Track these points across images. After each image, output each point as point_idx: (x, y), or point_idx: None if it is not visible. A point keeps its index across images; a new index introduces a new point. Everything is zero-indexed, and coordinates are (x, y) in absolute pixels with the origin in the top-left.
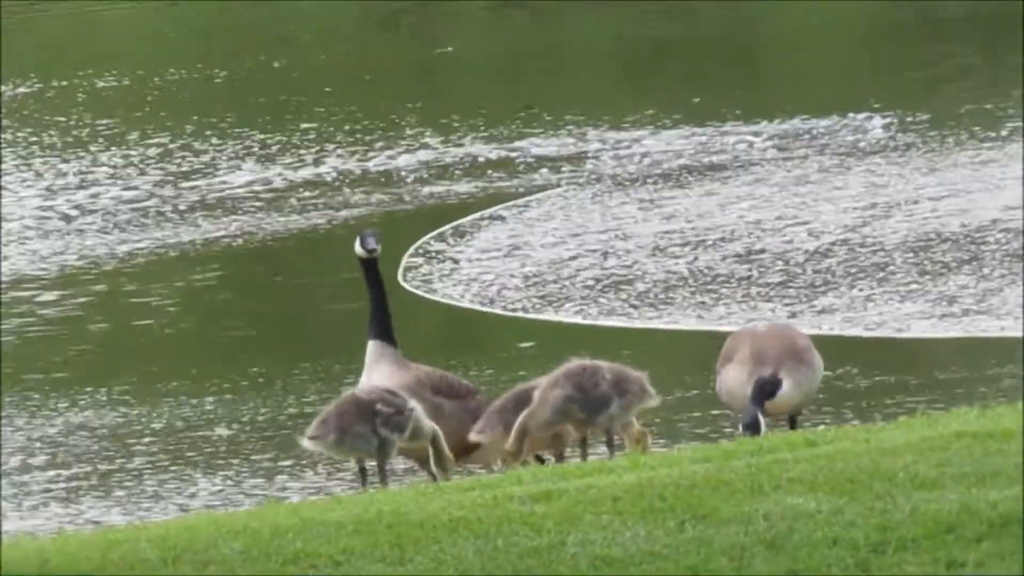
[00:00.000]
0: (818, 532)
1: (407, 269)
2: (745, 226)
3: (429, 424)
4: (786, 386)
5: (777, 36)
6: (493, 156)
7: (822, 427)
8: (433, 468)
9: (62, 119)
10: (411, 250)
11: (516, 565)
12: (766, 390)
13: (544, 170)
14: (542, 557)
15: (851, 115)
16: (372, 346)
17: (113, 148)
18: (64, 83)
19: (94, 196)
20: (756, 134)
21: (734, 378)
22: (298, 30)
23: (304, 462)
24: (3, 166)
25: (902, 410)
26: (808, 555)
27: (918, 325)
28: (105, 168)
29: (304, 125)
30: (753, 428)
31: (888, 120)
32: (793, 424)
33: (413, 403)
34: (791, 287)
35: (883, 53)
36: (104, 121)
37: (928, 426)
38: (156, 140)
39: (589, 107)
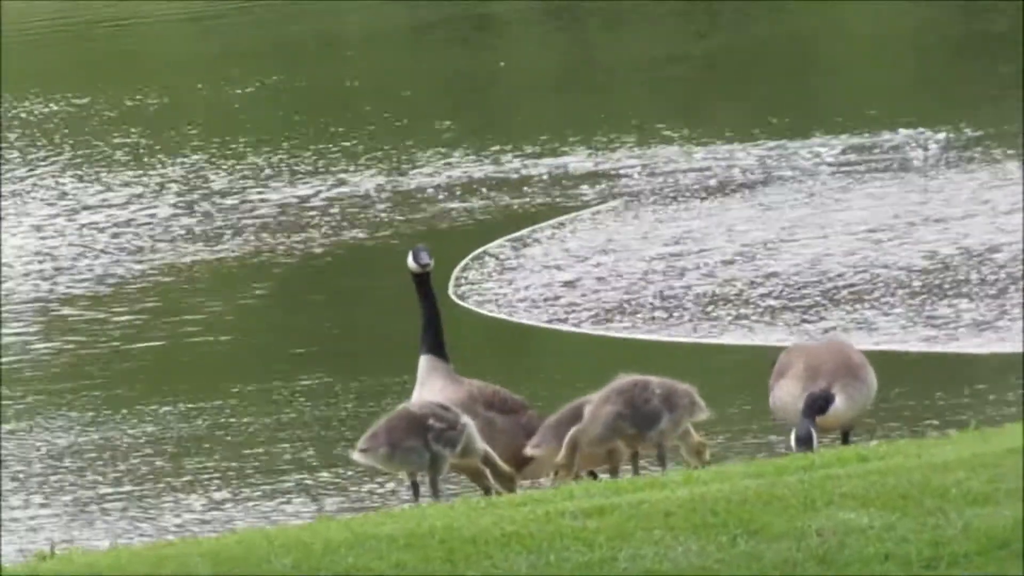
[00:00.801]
0: (870, 548)
1: (457, 284)
2: (800, 240)
3: (482, 444)
4: (839, 402)
5: (829, 51)
6: (544, 171)
7: (874, 443)
8: (494, 485)
9: (116, 134)
10: (461, 264)
11: None
12: (818, 405)
13: (595, 185)
14: (594, 572)
15: (906, 130)
16: (424, 361)
17: (160, 163)
18: (113, 98)
19: (142, 211)
20: (812, 148)
21: (788, 393)
22: (345, 44)
23: (352, 475)
24: (65, 182)
25: (954, 426)
26: (860, 571)
27: (971, 340)
28: (150, 184)
29: (351, 139)
30: (806, 443)
31: (944, 135)
32: (846, 439)
33: (466, 419)
34: (842, 300)
35: (936, 67)
36: (140, 137)
37: (980, 442)
38: (202, 156)
39: (643, 122)
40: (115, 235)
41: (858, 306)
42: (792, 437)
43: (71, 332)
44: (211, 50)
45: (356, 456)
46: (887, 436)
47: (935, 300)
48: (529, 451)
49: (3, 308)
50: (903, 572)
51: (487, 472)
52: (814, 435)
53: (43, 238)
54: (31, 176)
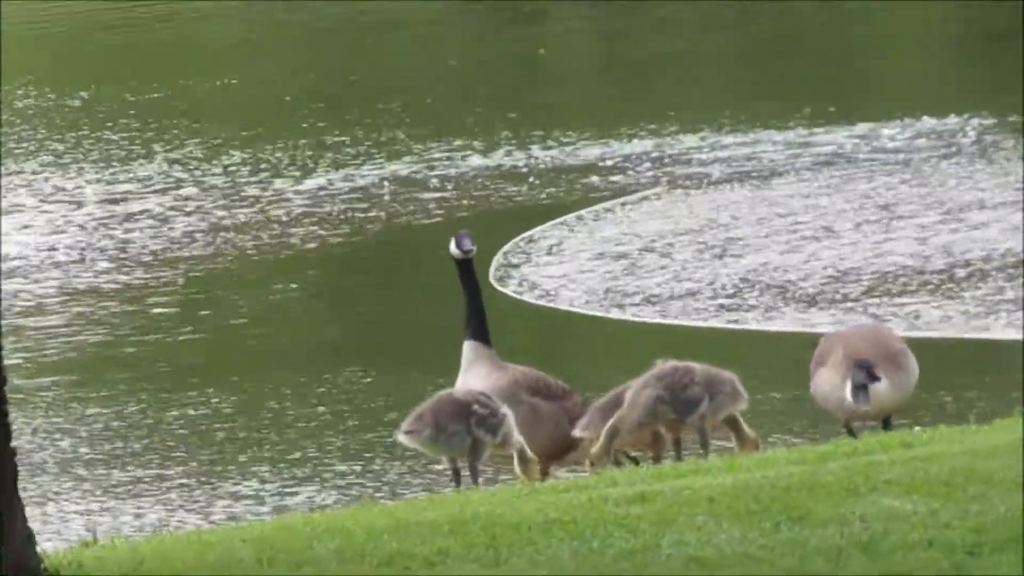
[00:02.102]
0: (914, 534)
1: (497, 270)
2: (845, 226)
3: (518, 437)
4: (882, 385)
5: (873, 38)
6: (586, 157)
7: (917, 429)
8: (519, 472)
9: (155, 125)
10: (502, 250)
11: (611, 567)
12: (866, 371)
13: (639, 171)
14: (637, 559)
15: (948, 118)
16: (468, 347)
17: (201, 153)
18: (158, 89)
19: (184, 199)
20: (857, 135)
21: (828, 381)
22: (386, 28)
23: (394, 463)
24: (113, 170)
25: (997, 412)
26: (903, 557)
27: (1016, 327)
28: (188, 171)
29: (393, 125)
30: (863, 389)
31: (987, 122)
32: (887, 426)
33: (506, 409)
34: (887, 287)
35: (976, 57)
36: (184, 126)
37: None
38: (244, 144)
39: (684, 108)
40: (151, 226)
41: (903, 294)
42: (848, 390)
43: (113, 323)
44: (253, 36)
45: (400, 437)
46: (930, 423)
47: (977, 286)
48: (578, 433)
49: (47, 298)
50: (946, 558)
51: (515, 461)
52: (870, 383)
53: (81, 227)
54: (71, 164)
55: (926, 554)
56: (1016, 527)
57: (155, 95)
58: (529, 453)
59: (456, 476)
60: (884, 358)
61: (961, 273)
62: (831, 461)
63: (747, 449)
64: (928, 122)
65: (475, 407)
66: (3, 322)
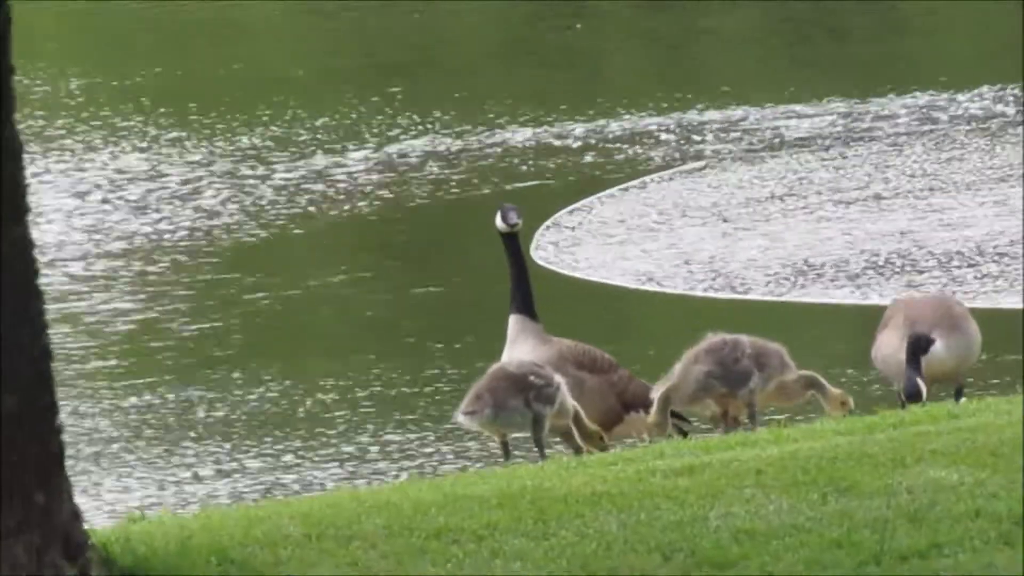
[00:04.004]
0: (960, 505)
1: (539, 245)
2: (890, 199)
3: (571, 402)
4: (938, 347)
5: (914, 13)
6: (623, 132)
7: (963, 400)
8: (581, 443)
9: (192, 103)
10: (544, 225)
11: (659, 539)
12: (921, 345)
13: (680, 143)
14: (684, 531)
15: (983, 88)
16: (514, 320)
17: (241, 130)
18: (194, 70)
19: (216, 177)
20: (898, 108)
21: (887, 343)
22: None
23: (440, 437)
24: (146, 144)
25: None
26: (950, 528)
27: None
28: (225, 147)
29: (435, 100)
30: (915, 396)
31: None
32: (959, 396)
33: (558, 377)
34: (933, 261)
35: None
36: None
37: None
38: (277, 122)
39: (724, 85)
40: (201, 203)
41: (950, 266)
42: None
43: (162, 299)
44: (302, 21)
45: (460, 419)
46: (978, 394)
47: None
48: (653, 394)
49: (95, 273)
50: (993, 529)
51: (575, 431)
52: (922, 386)
53: (115, 207)
54: (119, 140)
55: (973, 524)
56: None
57: (187, 73)
58: (587, 421)
59: (506, 450)
60: (944, 321)
61: (1005, 244)
62: (878, 432)
63: (836, 407)
64: (966, 96)
65: (531, 379)
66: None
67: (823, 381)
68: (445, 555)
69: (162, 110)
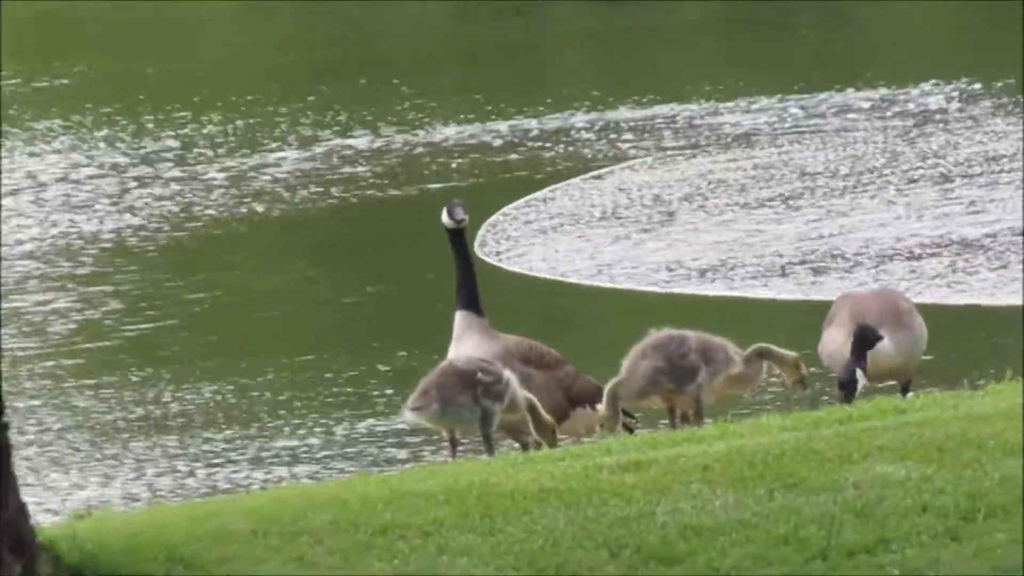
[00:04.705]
0: (908, 500)
1: (484, 241)
2: (839, 193)
3: (523, 394)
4: (885, 344)
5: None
6: (577, 127)
7: (911, 395)
8: (536, 437)
9: (196, 97)
10: (488, 221)
11: (606, 535)
12: (867, 336)
13: (626, 139)
14: (632, 527)
15: (937, 82)
16: (460, 316)
17: (236, 120)
18: (158, 61)
19: (182, 171)
20: (851, 102)
21: (833, 339)
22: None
23: (388, 432)
24: (114, 146)
25: (990, 378)
26: (898, 523)
27: (1007, 293)
28: (219, 139)
29: (387, 97)
30: (849, 387)
31: (976, 86)
32: (906, 390)
33: (508, 373)
34: (875, 255)
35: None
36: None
37: (1017, 393)
38: (238, 116)
39: (674, 81)
40: (158, 197)
41: (894, 263)
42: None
43: (117, 296)
44: (240, 19)
45: (407, 415)
46: (923, 389)
47: (975, 254)
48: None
49: (33, 273)
50: (941, 524)
51: (530, 423)
52: (859, 378)
53: (77, 207)
54: (75, 140)
55: (920, 519)
56: (1010, 492)
57: (153, 66)
58: (543, 413)
59: (453, 446)
60: (890, 317)
61: (961, 232)
62: (824, 427)
63: (792, 372)
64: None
65: (479, 375)
66: None
67: (773, 348)
68: (391, 551)
69: (102, 108)
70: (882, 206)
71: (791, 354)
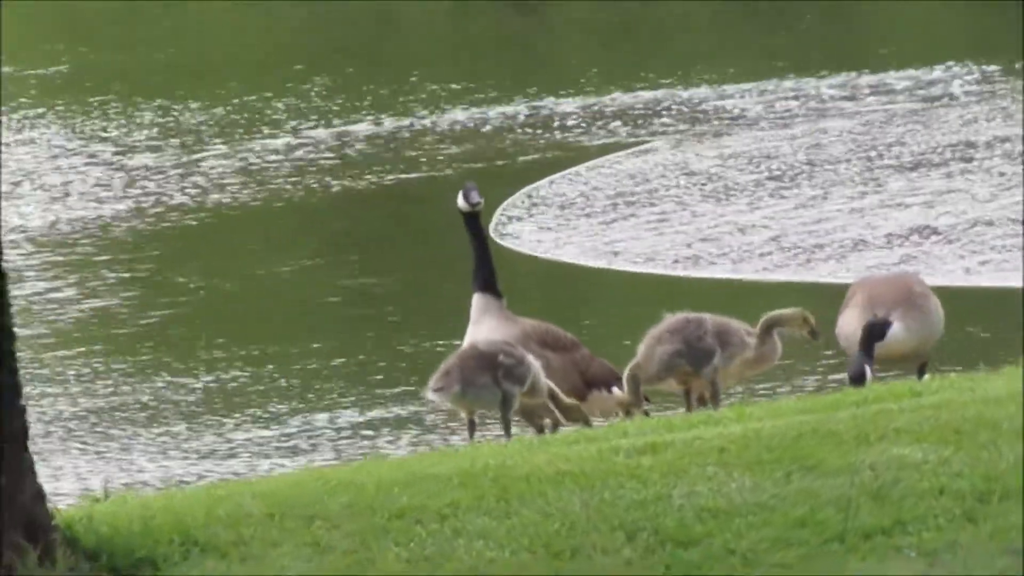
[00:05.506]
0: (924, 482)
1: (500, 224)
2: (840, 175)
3: (545, 380)
4: (896, 328)
5: None
6: (585, 112)
7: (927, 377)
8: (562, 420)
9: (133, 87)
10: (503, 205)
11: (622, 517)
12: (875, 332)
13: (641, 123)
14: (648, 509)
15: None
16: (477, 299)
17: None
18: (149, 49)
19: (180, 157)
20: (849, 86)
21: (849, 322)
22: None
23: (406, 416)
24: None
25: (1007, 360)
26: (914, 505)
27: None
28: (229, 125)
29: (397, 81)
30: (858, 380)
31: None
32: (921, 374)
33: (531, 358)
34: (883, 238)
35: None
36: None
37: None
38: (242, 101)
39: (679, 66)
40: (165, 181)
41: (906, 244)
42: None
43: (130, 283)
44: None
45: (429, 395)
46: (940, 371)
47: (990, 235)
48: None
49: (38, 261)
50: (957, 506)
51: (554, 409)
52: (867, 372)
53: (80, 194)
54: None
55: (936, 502)
56: None
57: (143, 54)
58: (563, 396)
59: (471, 428)
60: (904, 300)
61: (969, 216)
62: (841, 410)
63: (800, 326)
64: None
65: (501, 358)
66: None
67: (778, 313)
68: (408, 534)
69: (107, 96)
70: (898, 189)
71: (795, 310)
